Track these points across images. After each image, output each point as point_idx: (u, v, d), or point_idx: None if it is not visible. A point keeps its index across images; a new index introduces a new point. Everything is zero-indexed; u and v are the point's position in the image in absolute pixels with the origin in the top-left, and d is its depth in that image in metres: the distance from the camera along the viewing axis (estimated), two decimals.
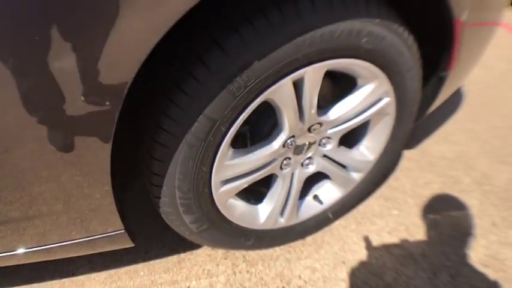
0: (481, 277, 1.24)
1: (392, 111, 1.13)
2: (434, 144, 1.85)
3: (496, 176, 1.66)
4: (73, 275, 1.30)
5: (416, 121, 1.33)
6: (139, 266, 1.31)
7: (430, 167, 1.71)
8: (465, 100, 2.26)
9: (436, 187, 1.60)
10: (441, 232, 1.40)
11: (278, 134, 0.98)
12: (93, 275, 1.30)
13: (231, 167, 0.93)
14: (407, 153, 1.77)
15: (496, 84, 2.50)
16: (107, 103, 0.63)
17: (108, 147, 0.69)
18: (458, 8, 0.96)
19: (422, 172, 1.68)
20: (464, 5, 0.97)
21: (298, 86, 0.88)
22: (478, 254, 1.32)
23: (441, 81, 1.23)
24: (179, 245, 1.36)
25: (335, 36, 0.81)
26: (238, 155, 0.94)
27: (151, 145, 0.82)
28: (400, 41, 0.95)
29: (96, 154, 0.70)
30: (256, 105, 0.83)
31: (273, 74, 0.79)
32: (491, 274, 1.25)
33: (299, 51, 0.79)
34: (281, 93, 0.85)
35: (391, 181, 1.62)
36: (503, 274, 1.25)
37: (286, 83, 0.84)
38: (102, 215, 0.86)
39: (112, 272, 1.30)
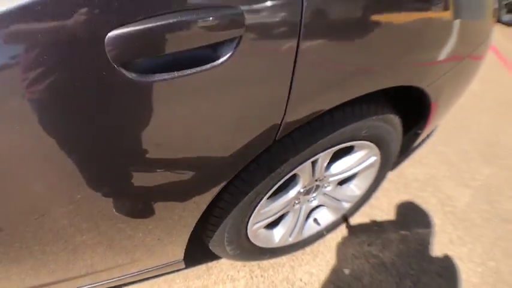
0: (437, 285, 1.70)
1: (377, 164, 1.54)
2: (410, 167, 2.28)
3: (457, 198, 2.11)
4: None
5: (398, 158, 1.75)
6: (176, 275, 1.70)
7: (405, 189, 2.14)
8: (441, 123, 2.66)
9: (409, 207, 2.05)
10: (409, 246, 1.85)
11: (295, 186, 1.39)
12: (136, 285, 1.63)
13: (263, 214, 1.34)
14: (388, 175, 2.20)
15: (468, 106, 2.92)
16: None
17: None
18: (435, 97, 1.35)
19: (398, 193, 2.12)
20: (440, 94, 1.37)
21: (314, 162, 1.29)
22: (435, 266, 1.77)
23: (417, 134, 1.65)
24: (206, 255, 1.71)
25: (344, 134, 1.21)
26: (267, 204, 1.35)
27: (213, 207, 1.21)
28: (390, 126, 1.35)
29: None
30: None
31: (299, 163, 1.20)
32: (444, 284, 1.71)
33: (318, 148, 1.19)
34: (302, 169, 1.26)
35: (372, 200, 2.05)
36: (453, 284, 1.71)
37: (307, 164, 1.25)
38: (174, 248, 1.26)
39: (152, 281, 1.66)
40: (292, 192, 1.40)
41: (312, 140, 1.15)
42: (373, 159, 1.49)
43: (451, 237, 1.90)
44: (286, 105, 0.92)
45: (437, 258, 1.80)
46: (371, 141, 1.36)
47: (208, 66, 0.75)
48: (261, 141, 0.98)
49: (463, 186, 2.19)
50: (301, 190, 1.42)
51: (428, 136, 2.49)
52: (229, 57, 0.75)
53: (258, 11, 0.75)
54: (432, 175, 2.24)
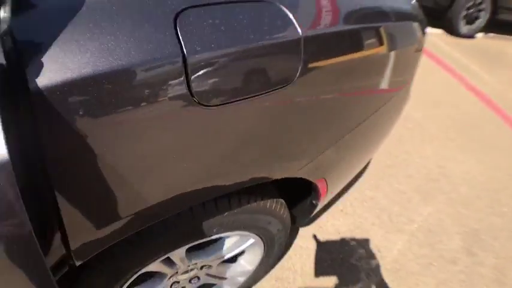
0: None
1: (260, 243, 1.43)
2: (331, 218, 2.16)
3: (388, 248, 1.99)
4: None
5: (303, 221, 1.64)
6: None
7: (323, 244, 2.03)
8: (374, 161, 2.54)
9: (326, 264, 1.93)
10: None
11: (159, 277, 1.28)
12: None
13: None
14: (302, 231, 2.07)
15: (408, 138, 2.81)
16: None
17: None
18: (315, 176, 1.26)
19: (315, 250, 2.00)
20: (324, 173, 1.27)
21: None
22: None
23: (313, 205, 1.53)
24: None
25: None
26: None
27: None
28: (256, 214, 1.24)
29: None
30: None
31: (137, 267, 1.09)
32: None
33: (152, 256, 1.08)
34: (151, 267, 1.15)
35: (284, 261, 1.93)
36: None
37: (154, 263, 1.14)
38: None
39: None
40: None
41: (142, 250, 1.06)
42: (251, 240, 1.37)
43: None
44: None
45: None
46: (236, 231, 1.25)
47: None
48: None
49: (396, 232, 2.08)
50: (173, 275, 1.31)
51: (352, 183, 2.37)
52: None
53: None
54: (357, 225, 2.13)
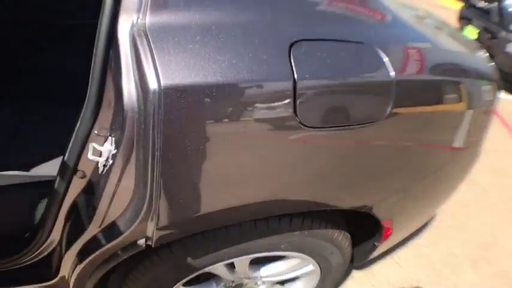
0: None
1: (317, 273, 1.50)
2: (384, 268, 2.18)
3: None
4: None
5: (360, 262, 1.69)
6: None
7: None
8: (436, 220, 2.55)
9: None
10: None
11: (218, 280, 1.38)
12: None
13: None
14: (354, 273, 2.11)
15: (470, 202, 2.79)
16: None
17: None
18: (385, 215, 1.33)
19: None
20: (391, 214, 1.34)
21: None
22: None
23: (375, 246, 1.59)
24: None
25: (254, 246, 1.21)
26: None
27: None
28: (323, 241, 1.32)
29: None
30: None
31: (204, 265, 1.19)
32: None
33: (224, 256, 1.19)
34: (215, 269, 1.25)
35: None
36: None
37: (218, 265, 1.24)
38: None
39: None
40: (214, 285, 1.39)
41: (212, 248, 1.16)
42: (309, 268, 1.45)
43: None
44: None
45: None
46: (301, 253, 1.33)
47: None
48: None
49: None
50: (227, 284, 1.41)
51: (412, 236, 2.38)
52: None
53: None
54: (406, 279, 2.14)
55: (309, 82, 0.91)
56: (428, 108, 1.19)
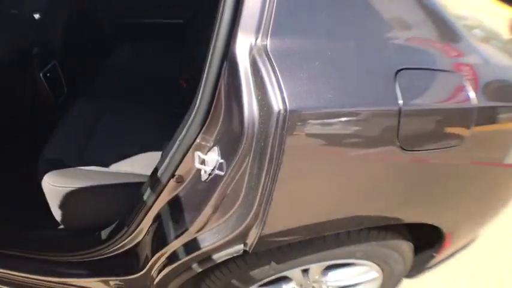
0: None
1: (379, 280, 1.55)
2: (432, 277, 2.21)
3: None
4: None
5: (417, 272, 1.73)
6: None
7: None
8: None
9: None
10: None
11: (288, 282, 1.44)
12: None
13: None
14: (405, 282, 2.13)
15: None
16: None
17: None
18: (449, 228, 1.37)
19: None
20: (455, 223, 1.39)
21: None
22: None
23: (432, 256, 1.64)
24: None
25: (332, 254, 1.26)
26: None
27: None
28: (392, 251, 1.37)
29: None
30: None
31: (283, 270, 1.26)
32: None
33: (305, 262, 1.25)
34: (291, 273, 1.32)
35: None
36: None
37: (296, 270, 1.31)
38: None
39: None
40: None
41: (296, 255, 1.23)
42: (373, 274, 1.50)
43: None
44: None
45: None
46: (370, 261, 1.38)
47: None
48: None
49: None
50: (295, 287, 1.47)
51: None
52: None
53: None
54: None
55: (411, 108, 0.95)
56: (498, 131, 1.22)
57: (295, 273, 1.34)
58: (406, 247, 1.42)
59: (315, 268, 1.34)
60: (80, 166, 1.48)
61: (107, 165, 1.51)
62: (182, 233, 1.11)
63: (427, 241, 1.58)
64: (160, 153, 1.34)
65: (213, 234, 1.05)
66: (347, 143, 0.96)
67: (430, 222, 1.29)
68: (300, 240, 1.15)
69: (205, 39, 2.41)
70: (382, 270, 1.47)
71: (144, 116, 1.80)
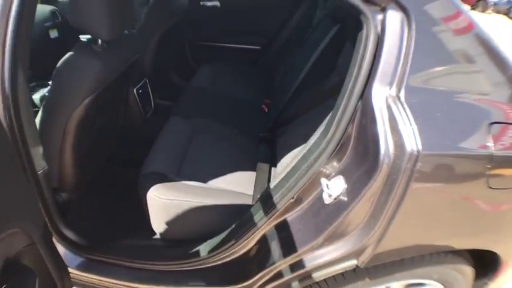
0: None
1: None
2: None
3: None
4: None
5: None
6: None
7: None
8: None
9: None
10: None
11: None
12: None
13: None
14: None
15: None
16: None
17: None
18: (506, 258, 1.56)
19: None
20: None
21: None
22: None
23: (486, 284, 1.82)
24: None
25: (416, 274, 1.46)
26: None
27: None
28: (460, 274, 1.57)
29: None
30: None
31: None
32: None
33: (391, 279, 1.45)
34: None
35: None
36: None
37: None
38: None
39: None
40: None
41: (387, 272, 1.41)
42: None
43: None
44: None
45: None
46: (439, 283, 1.58)
47: None
48: None
49: None
50: None
51: None
52: None
53: None
54: None
55: (503, 154, 1.15)
56: None
57: None
58: (469, 272, 1.61)
59: (395, 286, 1.54)
60: (180, 180, 1.68)
61: (204, 180, 1.71)
62: (294, 252, 1.29)
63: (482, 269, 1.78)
64: (250, 172, 1.53)
65: (328, 252, 1.25)
66: (455, 181, 1.16)
67: (494, 250, 1.47)
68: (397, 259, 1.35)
69: (283, 67, 2.65)
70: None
71: (232, 137, 2.01)
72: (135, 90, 2.02)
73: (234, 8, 3.29)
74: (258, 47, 3.26)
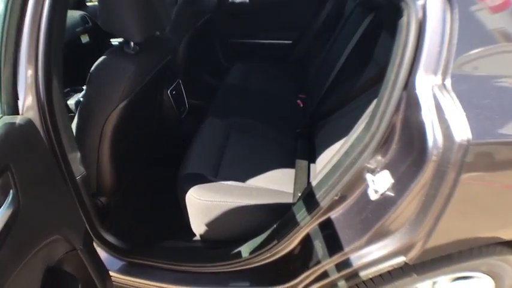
0: None
1: None
2: None
3: None
4: None
5: None
6: None
7: None
8: None
9: None
10: None
11: None
12: None
13: None
14: None
15: None
16: None
17: None
18: None
19: None
20: None
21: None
22: None
23: None
24: None
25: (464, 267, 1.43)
26: None
27: None
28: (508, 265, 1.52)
29: None
30: None
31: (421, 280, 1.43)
32: None
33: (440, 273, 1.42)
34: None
35: None
36: None
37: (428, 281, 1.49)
38: None
39: None
40: None
41: (435, 267, 1.40)
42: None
43: None
44: None
45: None
46: (487, 275, 1.54)
47: None
48: None
49: None
50: None
51: None
52: None
53: None
54: None
55: None
56: None
57: (425, 285, 1.50)
58: None
59: (443, 280, 1.50)
60: (219, 181, 1.69)
61: (243, 180, 1.72)
62: (340, 251, 1.29)
63: None
64: (289, 169, 1.52)
65: (375, 249, 1.24)
66: (506, 170, 1.12)
67: None
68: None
69: (316, 61, 2.63)
70: (494, 281, 1.62)
71: (269, 135, 2.01)
72: (168, 92, 2.04)
73: (262, 1, 3.28)
74: (289, 41, 3.24)
